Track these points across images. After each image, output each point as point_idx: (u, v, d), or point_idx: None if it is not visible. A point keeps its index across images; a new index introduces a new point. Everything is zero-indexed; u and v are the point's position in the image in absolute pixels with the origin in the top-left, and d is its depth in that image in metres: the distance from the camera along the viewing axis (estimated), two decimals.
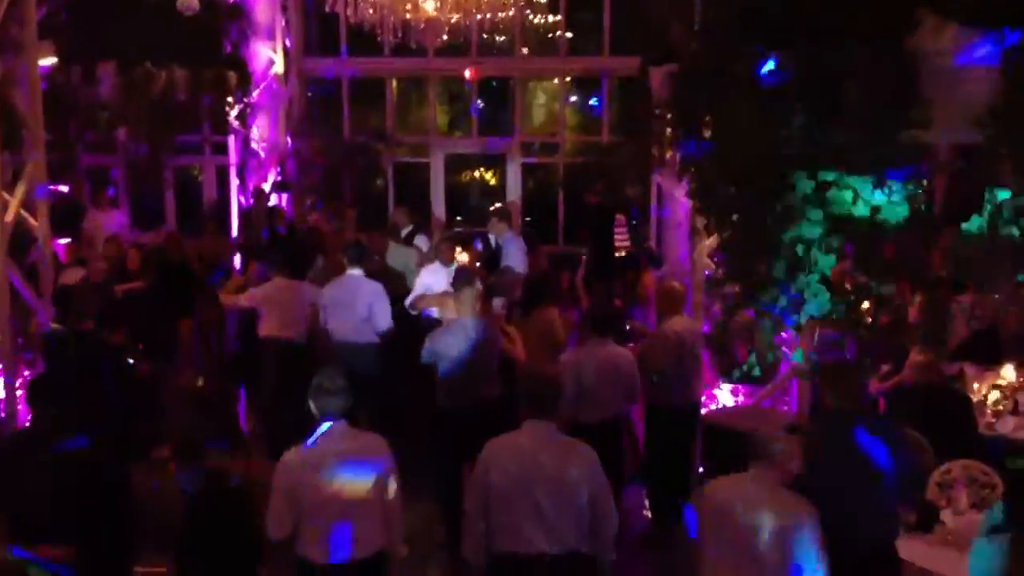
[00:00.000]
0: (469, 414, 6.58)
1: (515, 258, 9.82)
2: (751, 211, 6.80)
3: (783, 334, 7.21)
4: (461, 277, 7.08)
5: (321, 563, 4.59)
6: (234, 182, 13.14)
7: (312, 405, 4.66)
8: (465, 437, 6.06)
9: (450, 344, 6.74)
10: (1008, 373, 7.13)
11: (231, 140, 13.09)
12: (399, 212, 11.61)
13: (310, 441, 4.68)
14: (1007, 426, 6.83)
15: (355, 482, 4.59)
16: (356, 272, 8.16)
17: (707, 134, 7.05)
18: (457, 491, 6.47)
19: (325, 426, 4.66)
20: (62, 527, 4.57)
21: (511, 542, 4.61)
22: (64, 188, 11.90)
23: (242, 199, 13.05)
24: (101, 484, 4.81)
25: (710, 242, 7.40)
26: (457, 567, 6.24)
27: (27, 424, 5.02)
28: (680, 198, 9.05)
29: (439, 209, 14.85)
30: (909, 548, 4.97)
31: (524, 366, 7.06)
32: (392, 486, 4.75)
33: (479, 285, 7.17)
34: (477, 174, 16.16)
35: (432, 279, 8.84)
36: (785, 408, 7.58)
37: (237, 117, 12.80)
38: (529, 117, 15.54)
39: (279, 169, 13.11)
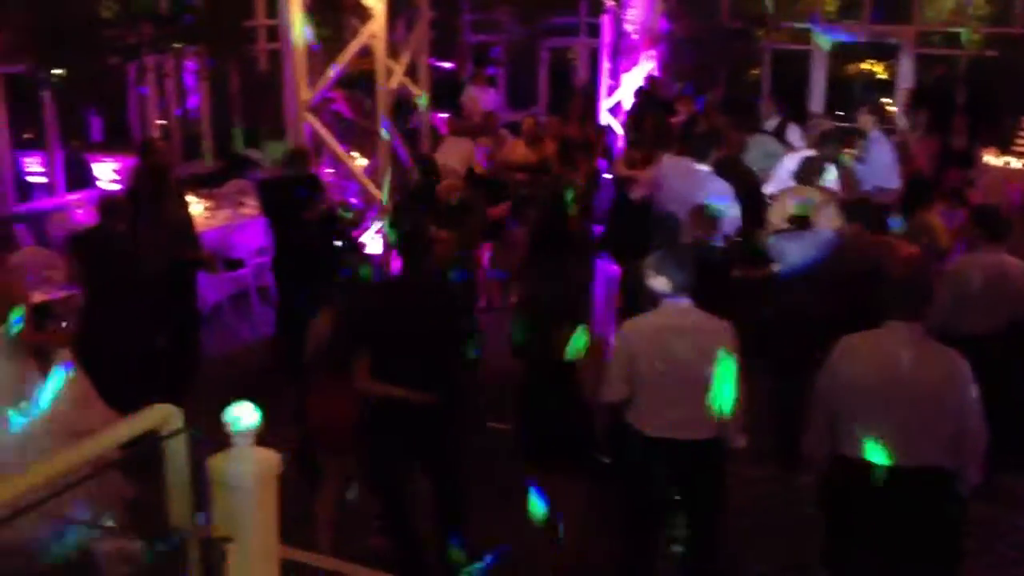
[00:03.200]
0: (791, 330, 6.16)
1: (878, 160, 8.97)
2: None
3: None
4: (805, 168, 6.51)
5: (649, 435, 4.54)
6: (605, 65, 13.13)
7: (655, 279, 4.53)
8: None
9: (786, 249, 6.32)
10: None
11: (605, 21, 13.03)
12: (768, 102, 11.05)
13: (652, 312, 4.60)
14: None
15: (693, 361, 4.45)
16: (702, 168, 7.71)
17: None
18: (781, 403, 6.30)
19: (669, 300, 4.53)
20: (424, 372, 4.81)
21: (857, 447, 4.27)
22: (448, 64, 12.52)
23: (612, 82, 13.02)
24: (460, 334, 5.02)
25: None
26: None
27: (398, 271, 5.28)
28: None
29: (817, 102, 13.96)
30: None
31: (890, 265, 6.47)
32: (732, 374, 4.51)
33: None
34: (864, 66, 15.00)
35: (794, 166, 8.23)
36: None
37: None
38: (929, 4, 14.06)
39: (651, 53, 12.91)
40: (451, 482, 5.10)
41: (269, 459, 2.11)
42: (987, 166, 10.15)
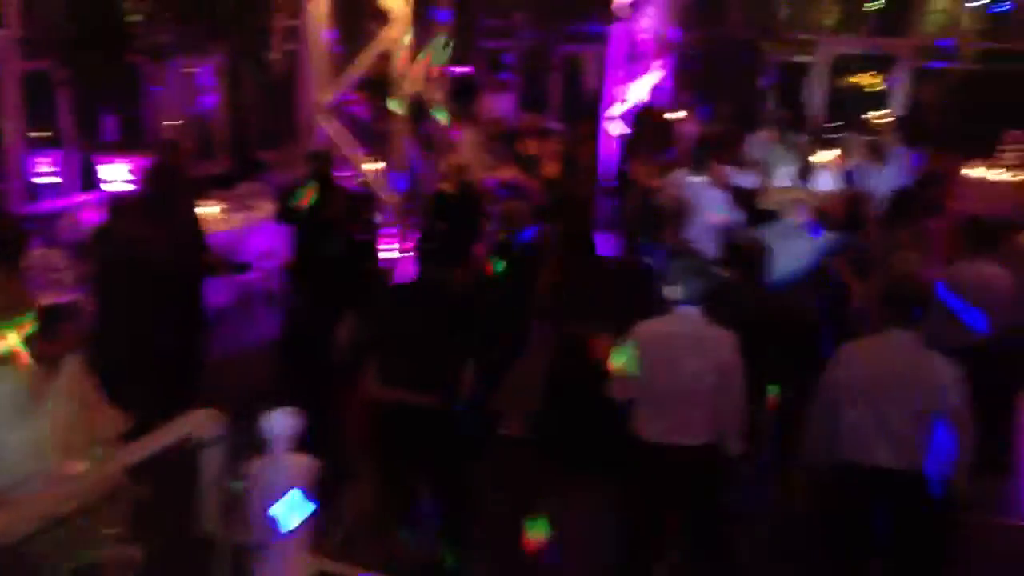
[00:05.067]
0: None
1: (896, 175, 9.17)
2: None
3: None
4: (802, 171, 6.53)
5: (648, 440, 4.65)
6: (615, 73, 13.18)
7: (672, 284, 4.67)
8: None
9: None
10: None
11: (616, 30, 13.09)
12: (778, 111, 11.22)
13: (662, 318, 4.72)
14: None
15: (696, 368, 4.56)
16: (697, 179, 7.80)
17: None
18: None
19: (681, 308, 4.66)
20: (429, 375, 4.90)
21: (852, 450, 4.46)
22: (466, 69, 12.58)
23: (620, 90, 13.08)
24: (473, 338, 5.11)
25: None
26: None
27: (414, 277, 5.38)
28: None
29: (817, 113, 14.09)
30: None
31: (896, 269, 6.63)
32: (735, 383, 4.65)
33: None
34: (861, 78, 15.16)
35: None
36: None
37: (625, 6, 12.73)
38: (928, 18, 14.23)
39: (660, 62, 12.97)
40: (452, 491, 5.14)
41: (306, 464, 2.19)
42: (973, 178, 10.33)
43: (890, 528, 4.48)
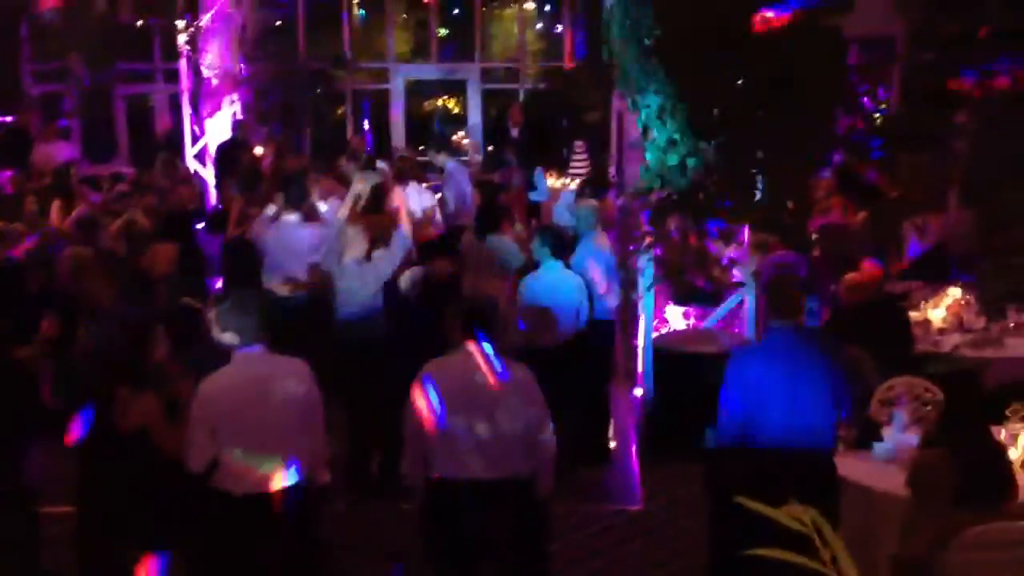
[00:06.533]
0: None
1: (456, 189, 9.76)
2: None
3: (732, 253, 7.07)
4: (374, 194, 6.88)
5: (239, 494, 4.35)
6: (187, 110, 12.79)
7: (225, 330, 4.37)
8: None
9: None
10: (955, 292, 7.15)
11: (182, 66, 12.69)
12: (356, 139, 11.43)
13: (227, 368, 4.40)
14: (949, 343, 6.80)
15: (274, 409, 4.35)
16: (292, 218, 7.49)
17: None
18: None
19: (242, 351, 4.39)
20: None
21: (447, 466, 4.50)
22: (7, 118, 11.61)
23: (196, 128, 12.72)
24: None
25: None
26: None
27: None
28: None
29: (399, 137, 14.60)
30: (848, 465, 4.91)
31: (462, 288, 6.95)
32: (315, 412, 4.53)
33: None
34: (440, 102, 15.98)
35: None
36: (737, 330, 7.53)
37: (187, 42, 12.39)
38: (492, 43, 15.32)
39: (233, 98, 12.76)
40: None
41: None
42: (551, 189, 11.17)
43: (492, 534, 4.57)
